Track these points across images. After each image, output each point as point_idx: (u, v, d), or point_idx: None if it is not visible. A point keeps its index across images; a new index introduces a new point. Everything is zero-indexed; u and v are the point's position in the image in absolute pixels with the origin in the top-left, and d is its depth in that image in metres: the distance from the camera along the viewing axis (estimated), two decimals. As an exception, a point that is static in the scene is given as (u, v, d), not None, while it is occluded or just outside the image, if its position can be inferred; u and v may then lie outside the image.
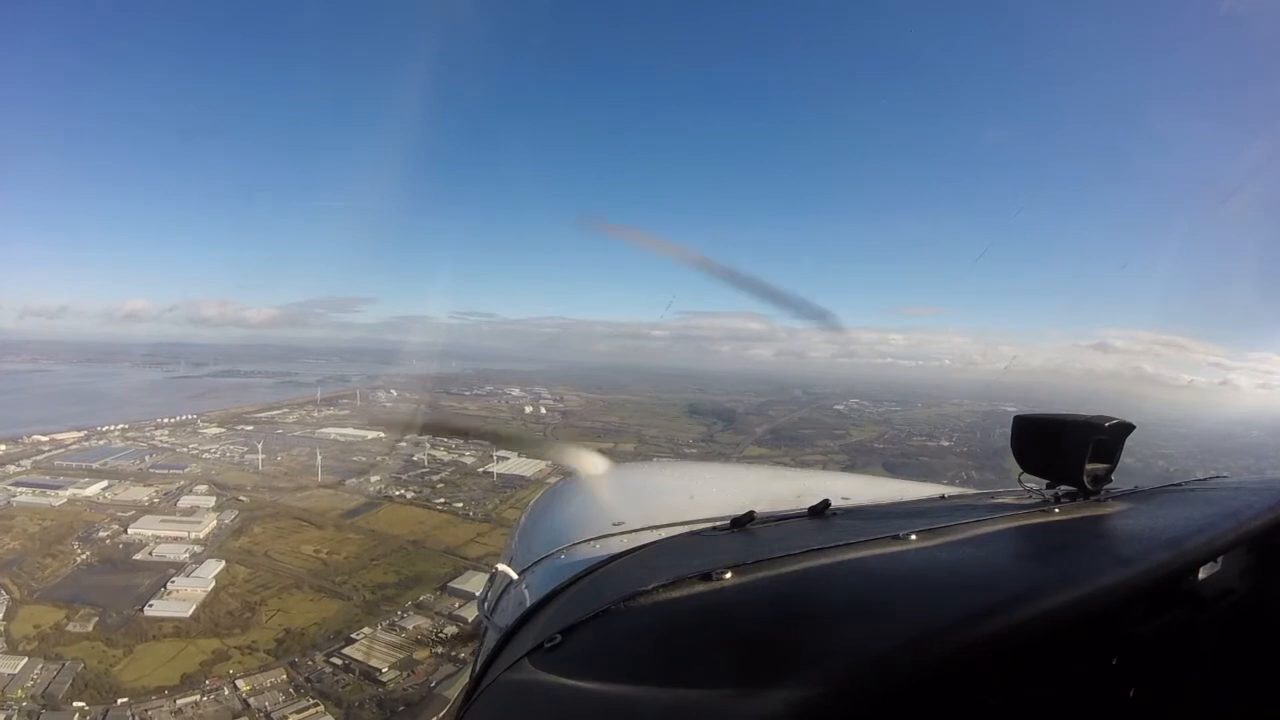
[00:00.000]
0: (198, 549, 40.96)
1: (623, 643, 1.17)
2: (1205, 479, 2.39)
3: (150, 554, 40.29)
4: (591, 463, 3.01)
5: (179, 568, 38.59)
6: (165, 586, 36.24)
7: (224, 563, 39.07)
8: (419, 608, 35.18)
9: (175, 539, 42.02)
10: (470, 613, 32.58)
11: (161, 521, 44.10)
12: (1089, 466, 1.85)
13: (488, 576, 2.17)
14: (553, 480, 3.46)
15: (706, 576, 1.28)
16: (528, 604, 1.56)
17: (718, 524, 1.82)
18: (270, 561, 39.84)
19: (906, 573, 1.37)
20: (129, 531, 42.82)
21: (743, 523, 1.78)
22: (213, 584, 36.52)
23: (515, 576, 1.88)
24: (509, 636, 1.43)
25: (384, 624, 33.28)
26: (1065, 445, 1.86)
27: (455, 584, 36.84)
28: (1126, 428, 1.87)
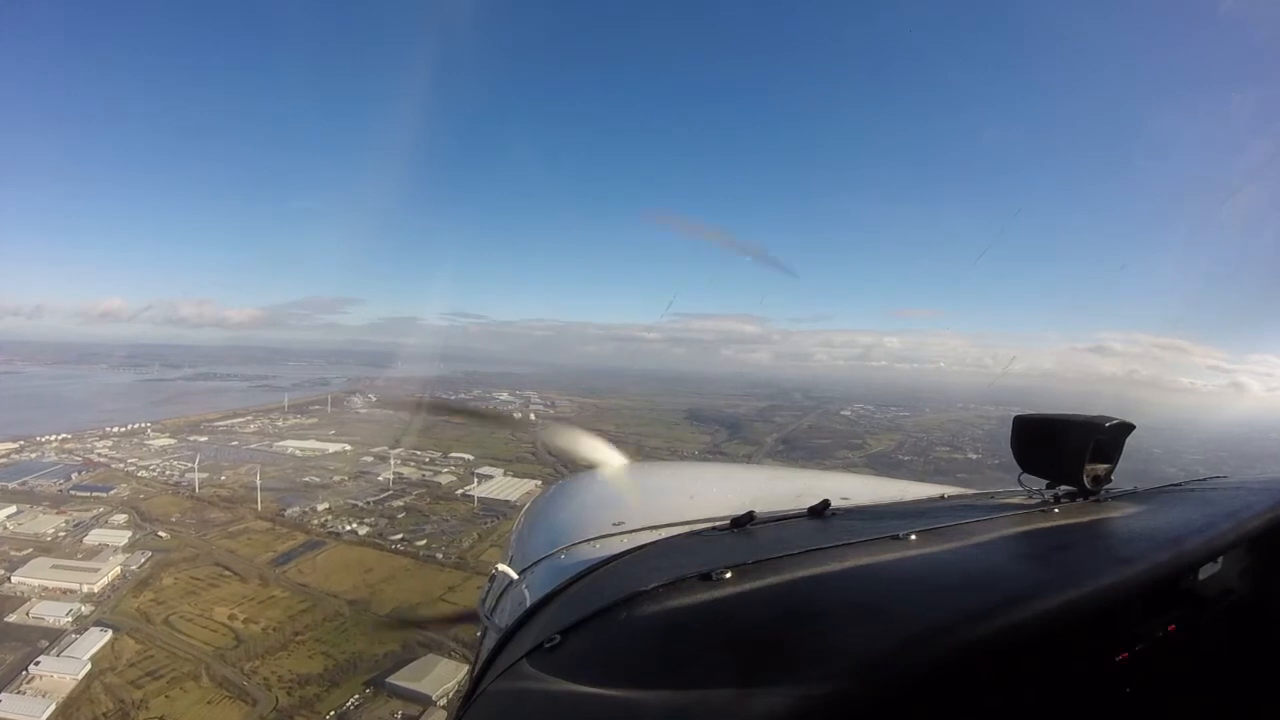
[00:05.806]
0: (86, 610, 33.18)
1: (622, 643, 1.17)
2: (1205, 479, 2.37)
3: (28, 614, 32.75)
4: (598, 450, 2.99)
5: (55, 638, 30.78)
6: (27, 670, 28.33)
7: (111, 633, 31.04)
8: None
9: (64, 592, 34.48)
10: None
11: (53, 567, 36.52)
12: (1089, 467, 1.84)
13: (487, 578, 2.08)
14: None
15: (706, 577, 1.28)
16: (527, 604, 1.55)
17: (718, 524, 1.80)
18: (170, 633, 31.68)
19: (906, 573, 1.36)
20: (13, 580, 35.43)
21: (743, 523, 1.77)
22: (88, 668, 28.52)
23: (515, 576, 1.86)
24: (508, 637, 1.42)
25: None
26: (1065, 445, 1.85)
27: (397, 678, 27.26)
28: (1126, 428, 1.85)
